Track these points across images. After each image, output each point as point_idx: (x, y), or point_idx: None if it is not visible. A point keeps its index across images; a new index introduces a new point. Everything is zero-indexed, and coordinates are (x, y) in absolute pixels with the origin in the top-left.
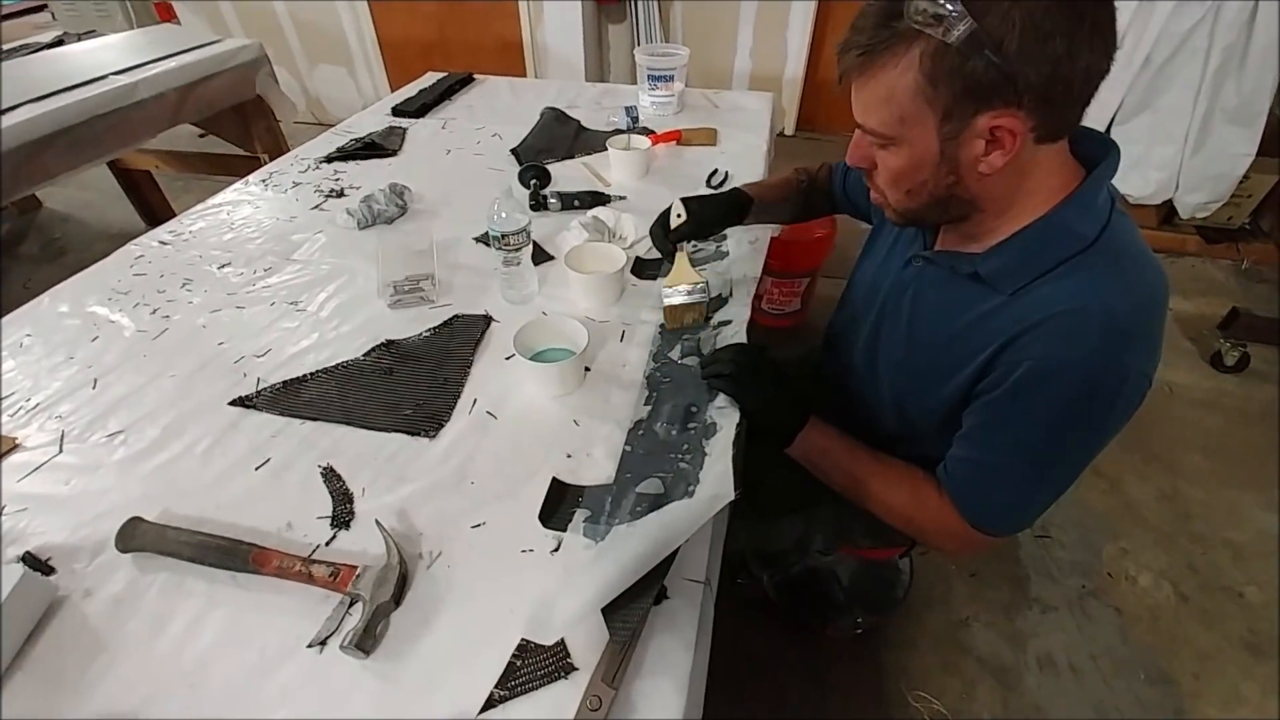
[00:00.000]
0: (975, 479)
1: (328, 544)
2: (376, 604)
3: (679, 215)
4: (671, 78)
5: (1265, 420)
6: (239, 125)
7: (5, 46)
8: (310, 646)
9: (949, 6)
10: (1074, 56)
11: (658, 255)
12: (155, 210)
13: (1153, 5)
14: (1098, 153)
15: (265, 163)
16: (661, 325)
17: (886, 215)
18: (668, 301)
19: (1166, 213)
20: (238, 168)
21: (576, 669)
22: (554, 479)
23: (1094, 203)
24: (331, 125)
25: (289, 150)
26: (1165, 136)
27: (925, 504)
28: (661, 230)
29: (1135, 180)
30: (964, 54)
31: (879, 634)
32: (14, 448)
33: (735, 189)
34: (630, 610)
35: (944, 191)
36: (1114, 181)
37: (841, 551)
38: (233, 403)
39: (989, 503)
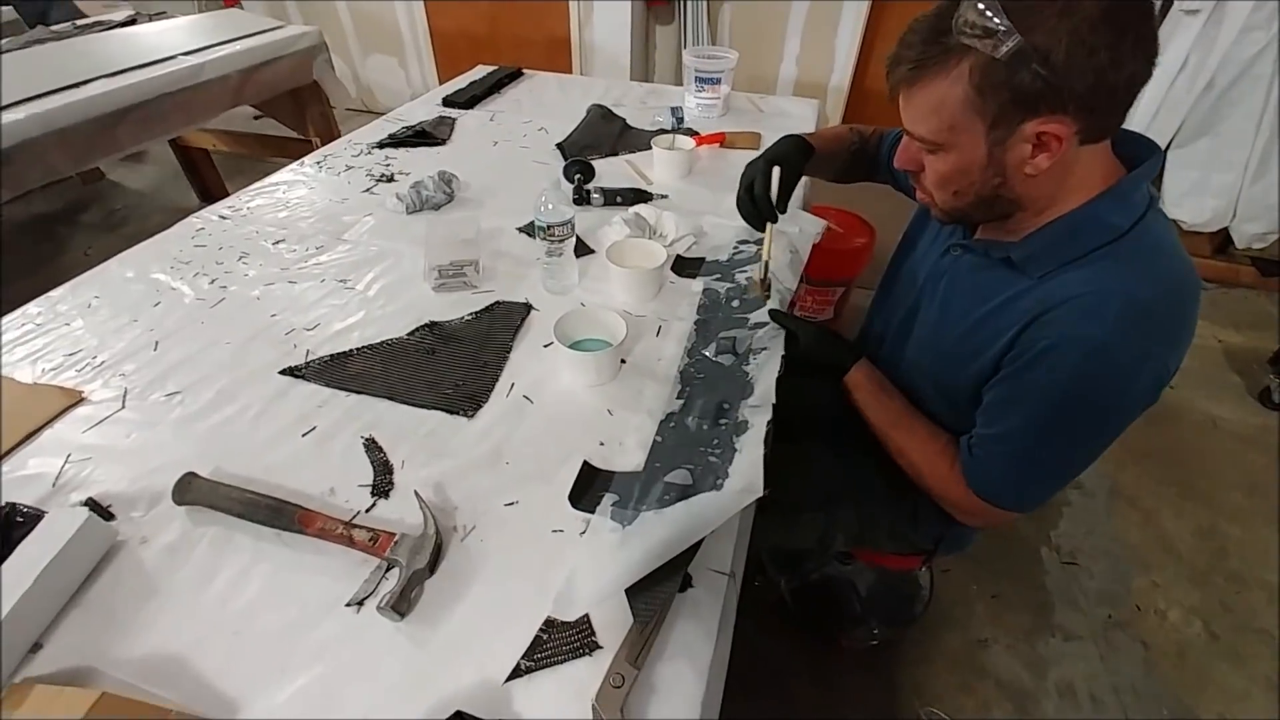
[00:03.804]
0: (984, 449)
1: (367, 511)
2: (413, 570)
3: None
4: (719, 80)
5: None
6: (295, 109)
7: (81, 23)
8: (348, 605)
9: (997, 21)
10: (1118, 66)
11: (698, 255)
12: (210, 188)
13: (1218, 29)
14: (1141, 153)
15: (317, 146)
16: (697, 321)
17: (933, 214)
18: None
19: (1221, 241)
20: (291, 150)
21: (600, 647)
22: (585, 463)
23: (1130, 198)
24: (380, 113)
25: (340, 135)
26: (1224, 163)
27: (936, 466)
28: (749, 196)
29: (1191, 206)
30: (1012, 67)
31: (894, 648)
32: (80, 400)
33: (796, 136)
34: (653, 594)
35: (990, 192)
36: (1169, 207)
37: (862, 558)
38: (283, 372)
39: (992, 471)
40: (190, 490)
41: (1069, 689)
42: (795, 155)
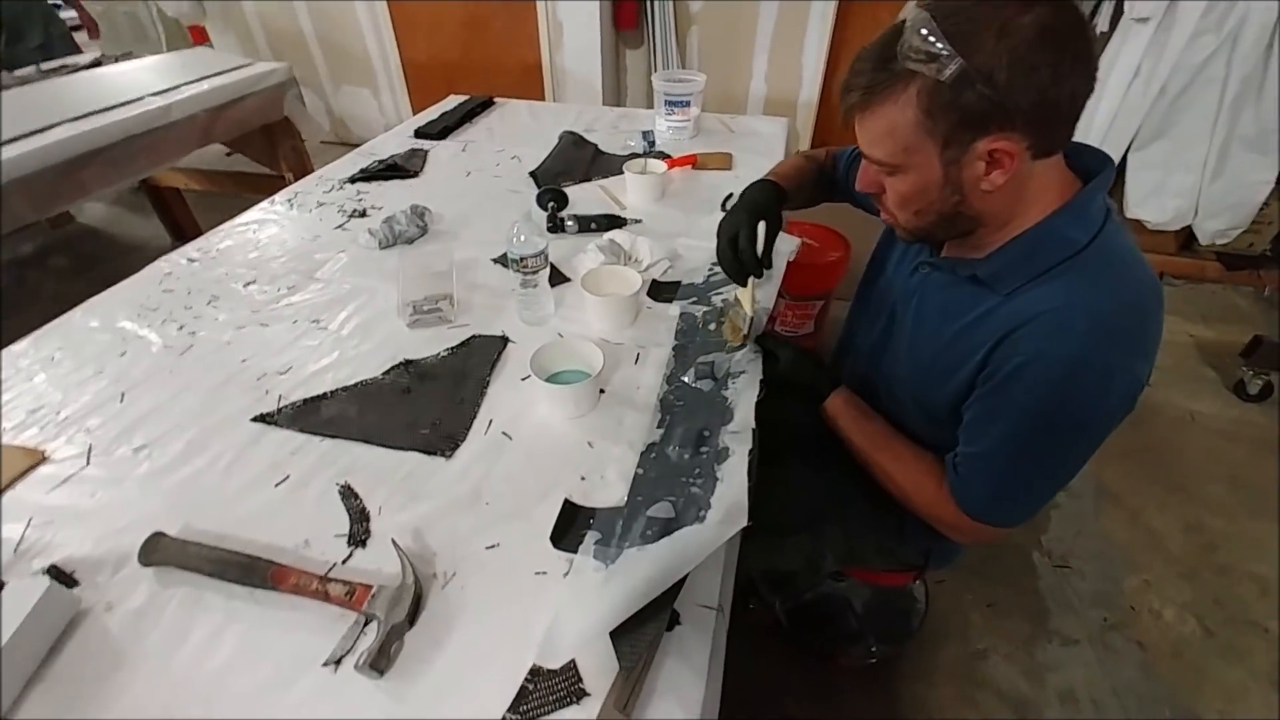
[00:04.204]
0: (968, 467)
1: (344, 562)
2: (391, 624)
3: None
4: (688, 103)
5: None
6: (266, 145)
7: (46, 67)
8: (325, 665)
9: (939, 46)
10: (1058, 83)
11: (674, 279)
12: (182, 226)
13: (1168, 35)
14: (1094, 166)
15: (290, 182)
16: (675, 346)
17: (898, 233)
18: (745, 312)
19: (1186, 239)
20: (263, 186)
21: (588, 694)
22: (566, 500)
23: (1087, 211)
24: (355, 145)
25: (314, 169)
26: (1183, 164)
27: (923, 487)
28: (731, 251)
29: (1154, 206)
30: (958, 89)
31: (893, 664)
32: (42, 460)
33: (768, 181)
34: (638, 635)
35: (950, 210)
36: (1132, 208)
37: (853, 575)
38: (255, 419)
39: (977, 489)
40: (157, 550)
41: (1070, 695)
42: (774, 204)
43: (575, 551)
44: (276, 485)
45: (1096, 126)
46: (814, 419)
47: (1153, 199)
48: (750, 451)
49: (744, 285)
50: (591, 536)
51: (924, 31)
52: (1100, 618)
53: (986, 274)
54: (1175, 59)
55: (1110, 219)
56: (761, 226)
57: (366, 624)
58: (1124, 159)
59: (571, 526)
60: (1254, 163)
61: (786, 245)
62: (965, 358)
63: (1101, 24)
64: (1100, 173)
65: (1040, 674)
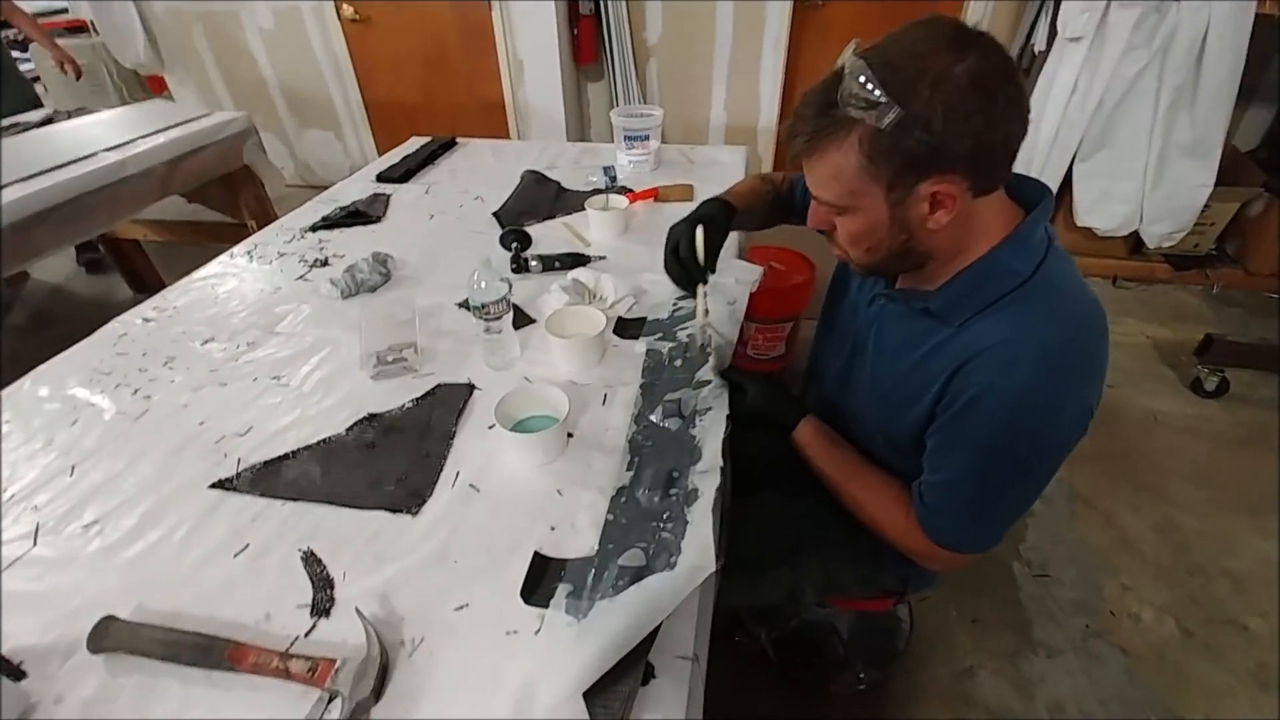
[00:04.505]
0: (932, 497)
1: (308, 634)
2: (356, 700)
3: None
4: (647, 137)
5: (1251, 444)
6: (227, 194)
7: None
8: None
9: (878, 94)
10: (992, 128)
11: (639, 315)
12: (143, 277)
13: (1100, 52)
14: (1034, 197)
15: (253, 230)
16: (642, 384)
17: (852, 267)
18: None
19: (1135, 243)
20: (226, 234)
21: None
22: (536, 554)
23: (1030, 241)
24: (320, 188)
25: (277, 217)
26: (1125, 172)
27: (893, 516)
28: (675, 261)
29: (1101, 214)
30: (897, 136)
31: (882, 688)
32: None
33: (717, 198)
34: (611, 694)
35: (900, 247)
36: (1081, 216)
37: (835, 604)
38: (213, 485)
39: (945, 519)
40: (108, 636)
41: (1058, 707)
42: (719, 215)
43: (546, 606)
44: (236, 555)
45: (1042, 140)
46: (785, 449)
47: (1100, 207)
48: (718, 489)
49: (693, 294)
50: (563, 589)
51: (862, 79)
52: (1082, 625)
53: (938, 307)
54: (1110, 73)
55: (1052, 248)
56: (700, 232)
57: (331, 700)
58: (1069, 170)
59: (542, 580)
60: (1192, 168)
61: (748, 275)
62: (924, 389)
63: (1038, 44)
64: (1040, 203)
65: (1028, 688)
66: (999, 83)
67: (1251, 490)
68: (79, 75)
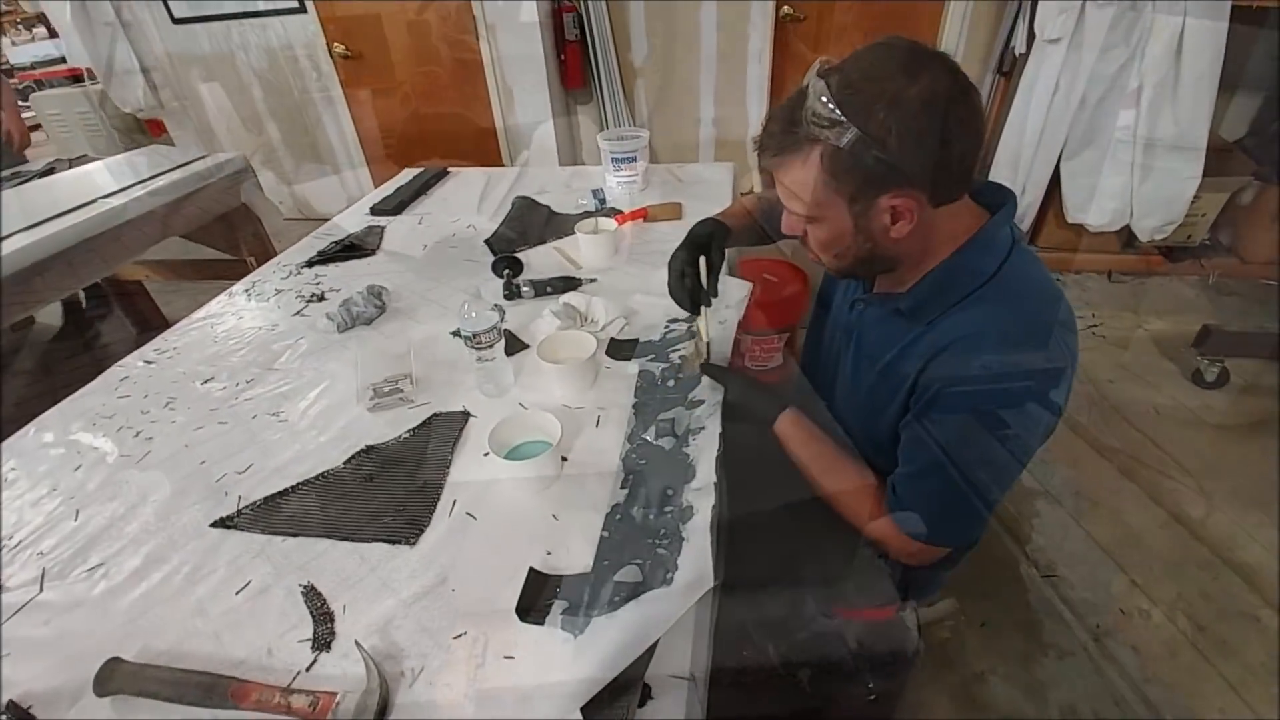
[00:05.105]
0: (903, 488)
1: (308, 669)
2: None
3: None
4: (634, 159)
5: (1254, 434)
6: (226, 233)
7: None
8: None
9: (838, 114)
10: (946, 146)
11: (631, 337)
12: (146, 317)
13: (1079, 52)
14: (998, 200)
15: (252, 266)
16: (635, 405)
17: (827, 270)
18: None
19: (1128, 237)
20: (226, 271)
21: None
22: (531, 569)
23: (993, 243)
24: (320, 219)
25: (276, 252)
26: (1113, 168)
27: (867, 508)
28: (680, 285)
29: (1092, 210)
30: (855, 154)
31: (893, 699)
32: None
33: (711, 219)
34: (607, 716)
35: (865, 254)
36: (1073, 213)
37: (841, 614)
38: (214, 524)
39: (915, 509)
40: (113, 679)
41: (1071, 709)
42: (716, 238)
43: (542, 623)
44: (238, 593)
45: (1028, 139)
46: (777, 455)
47: (1090, 203)
48: (714, 507)
49: (698, 315)
50: (559, 605)
51: (824, 99)
52: (1093, 625)
53: (908, 307)
54: (1090, 72)
55: (1017, 247)
56: (703, 260)
57: None
58: (1057, 168)
59: (538, 596)
60: (1178, 161)
61: (739, 291)
62: (898, 386)
63: (1018, 46)
64: (1003, 206)
65: (1041, 691)
66: (951, 104)
67: (1257, 480)
68: (22, 149)
